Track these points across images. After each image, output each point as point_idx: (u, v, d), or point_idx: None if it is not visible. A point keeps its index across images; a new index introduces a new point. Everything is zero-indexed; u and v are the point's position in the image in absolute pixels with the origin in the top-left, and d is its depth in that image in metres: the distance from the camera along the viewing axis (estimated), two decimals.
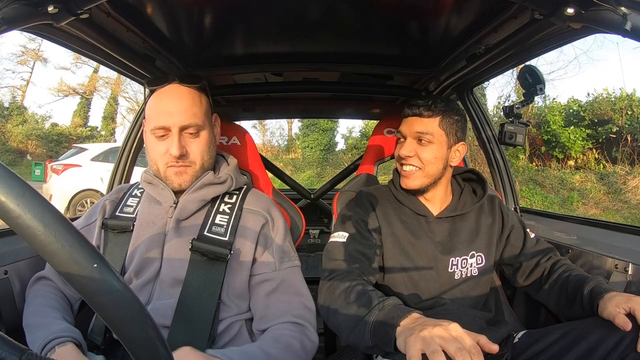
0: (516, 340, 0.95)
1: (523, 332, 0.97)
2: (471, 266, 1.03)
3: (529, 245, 1.08)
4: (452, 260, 1.02)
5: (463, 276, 1.02)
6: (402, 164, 1.06)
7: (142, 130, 1.04)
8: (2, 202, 0.30)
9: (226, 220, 0.94)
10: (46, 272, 0.96)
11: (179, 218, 0.92)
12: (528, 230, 1.11)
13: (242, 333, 0.91)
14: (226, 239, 0.90)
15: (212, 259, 0.87)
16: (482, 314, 1.01)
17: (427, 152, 1.03)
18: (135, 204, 1.00)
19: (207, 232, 0.90)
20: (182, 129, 0.91)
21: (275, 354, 0.79)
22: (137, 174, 1.18)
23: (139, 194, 1.03)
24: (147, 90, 1.01)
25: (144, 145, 1.01)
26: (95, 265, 0.34)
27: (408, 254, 1.02)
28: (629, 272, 0.91)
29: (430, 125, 1.02)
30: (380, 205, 1.08)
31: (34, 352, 0.32)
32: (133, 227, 0.94)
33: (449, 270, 1.01)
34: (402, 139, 1.08)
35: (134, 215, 0.97)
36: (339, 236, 1.02)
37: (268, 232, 0.96)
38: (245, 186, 1.05)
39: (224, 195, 0.99)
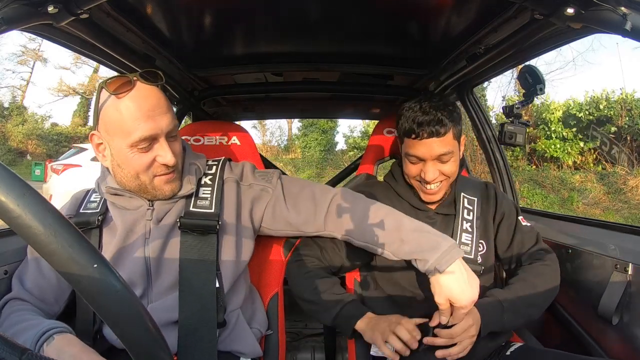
0: (509, 352, 0.93)
1: (519, 344, 0.96)
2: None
3: (516, 242, 1.03)
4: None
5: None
6: (423, 183, 1.00)
7: (96, 145, 0.84)
8: (3, 202, 0.31)
9: (209, 192, 0.91)
10: (15, 294, 0.83)
11: (159, 217, 0.87)
12: (520, 218, 1.06)
13: (253, 294, 1.01)
14: (212, 210, 0.88)
15: (201, 233, 0.86)
16: None
17: (450, 165, 0.98)
18: (98, 200, 0.92)
19: (192, 207, 0.88)
20: (168, 134, 0.81)
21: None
22: None
23: (97, 197, 0.93)
24: (103, 94, 0.79)
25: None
26: (95, 265, 0.34)
27: None
28: (629, 272, 0.91)
29: (448, 141, 0.95)
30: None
31: (34, 352, 0.32)
32: (99, 223, 0.87)
33: None
34: (414, 160, 0.98)
35: (98, 210, 0.89)
36: None
37: (242, 190, 0.94)
38: (223, 158, 1.01)
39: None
